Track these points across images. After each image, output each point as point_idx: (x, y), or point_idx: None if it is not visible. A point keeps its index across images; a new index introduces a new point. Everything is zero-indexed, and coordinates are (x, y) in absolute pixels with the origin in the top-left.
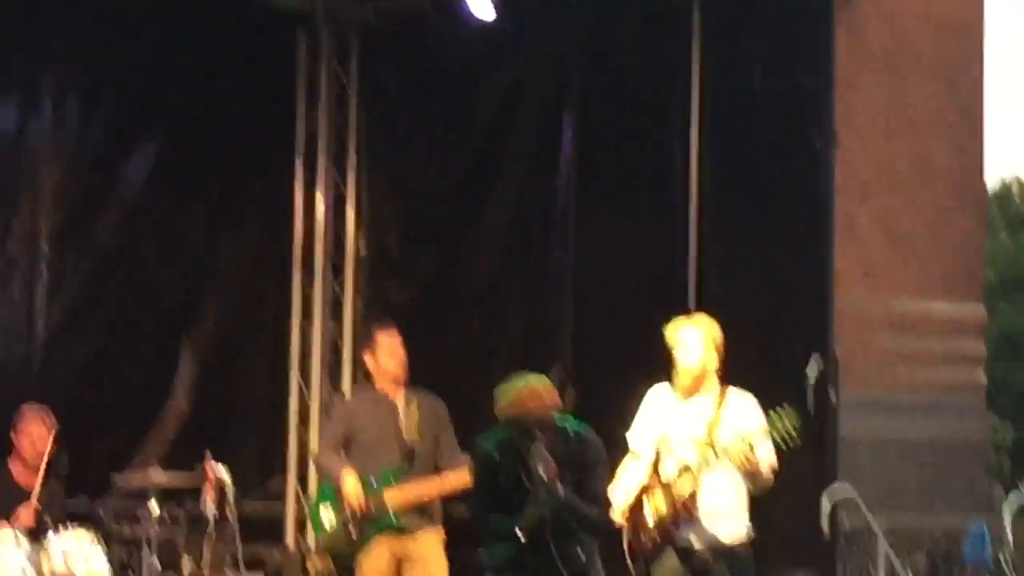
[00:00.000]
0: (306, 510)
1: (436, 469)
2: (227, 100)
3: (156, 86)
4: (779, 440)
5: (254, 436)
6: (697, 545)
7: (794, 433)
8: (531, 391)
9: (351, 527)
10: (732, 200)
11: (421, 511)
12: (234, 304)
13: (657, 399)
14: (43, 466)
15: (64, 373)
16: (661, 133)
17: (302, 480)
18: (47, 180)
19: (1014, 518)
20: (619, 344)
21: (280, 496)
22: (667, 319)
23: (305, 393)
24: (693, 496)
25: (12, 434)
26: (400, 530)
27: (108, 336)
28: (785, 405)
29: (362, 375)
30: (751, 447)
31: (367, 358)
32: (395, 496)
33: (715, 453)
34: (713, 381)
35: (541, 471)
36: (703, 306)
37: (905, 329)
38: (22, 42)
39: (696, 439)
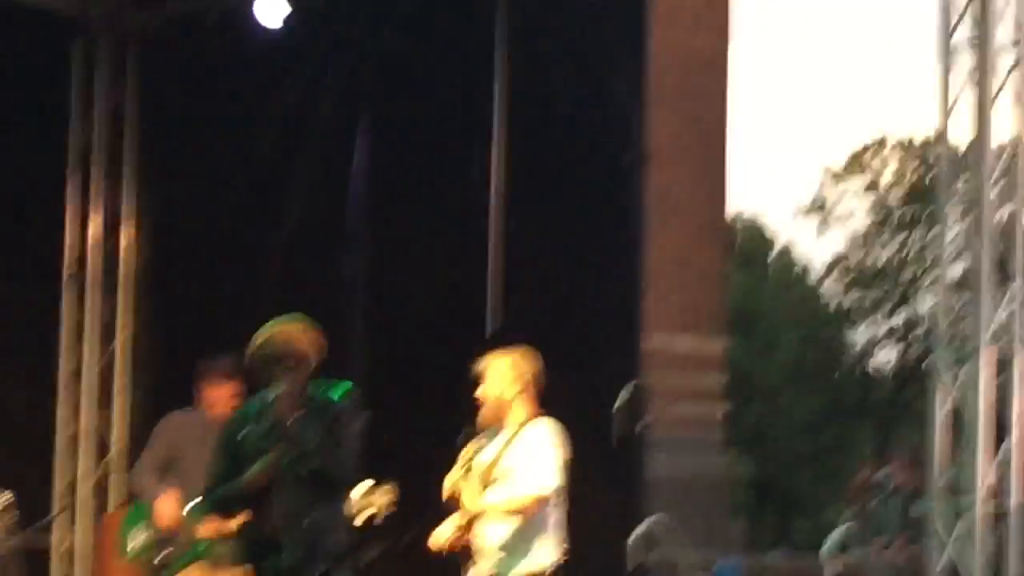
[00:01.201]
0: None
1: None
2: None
3: None
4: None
5: (25, 464)
6: None
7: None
8: (282, 331)
9: (161, 551)
10: (536, 219)
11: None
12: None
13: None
14: None
15: None
16: (462, 145)
17: (70, 511)
18: None
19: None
20: (414, 369)
21: None
22: (465, 343)
23: (72, 422)
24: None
25: None
26: (213, 560)
27: None
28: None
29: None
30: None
31: (198, 394)
32: (210, 524)
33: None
34: (519, 413)
35: (275, 402)
36: (503, 330)
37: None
38: None
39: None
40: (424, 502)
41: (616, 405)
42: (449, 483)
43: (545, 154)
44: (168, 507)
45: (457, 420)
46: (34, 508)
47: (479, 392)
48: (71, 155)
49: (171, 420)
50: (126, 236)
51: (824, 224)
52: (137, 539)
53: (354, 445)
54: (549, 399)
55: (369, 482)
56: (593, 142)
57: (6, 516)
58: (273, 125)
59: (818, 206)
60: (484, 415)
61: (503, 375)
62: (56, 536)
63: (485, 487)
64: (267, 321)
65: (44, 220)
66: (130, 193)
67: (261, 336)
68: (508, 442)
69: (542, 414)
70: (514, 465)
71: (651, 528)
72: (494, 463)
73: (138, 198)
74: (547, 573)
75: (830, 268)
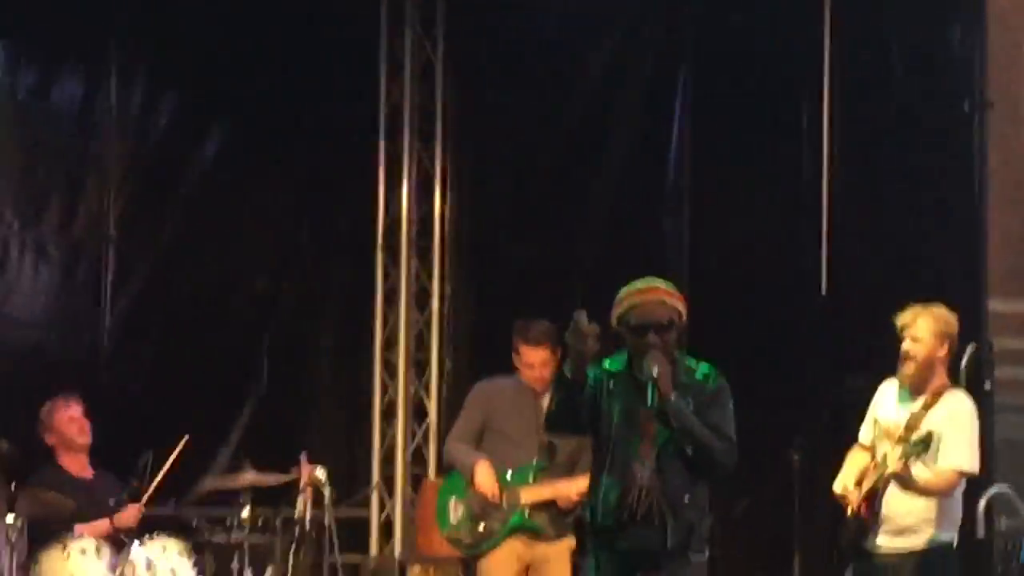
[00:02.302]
0: (393, 514)
1: (576, 471)
2: (305, 74)
3: (227, 59)
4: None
5: (339, 435)
6: (879, 549)
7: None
8: (648, 287)
9: (480, 522)
10: (869, 173)
11: (556, 515)
12: (312, 293)
13: (884, 392)
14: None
15: (134, 365)
16: (787, 101)
17: (388, 482)
18: (113, 159)
19: None
20: (744, 331)
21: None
22: (797, 305)
23: (390, 388)
24: (872, 493)
25: (45, 433)
26: (533, 532)
27: (180, 325)
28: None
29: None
30: (909, 455)
31: (513, 356)
32: (531, 494)
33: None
34: (939, 378)
35: (652, 370)
36: (834, 293)
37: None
38: (86, 13)
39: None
40: (766, 469)
41: (961, 365)
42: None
43: (879, 104)
44: (485, 476)
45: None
46: (351, 480)
47: (907, 347)
48: (380, 117)
49: (484, 387)
50: (439, 199)
51: None
52: (456, 511)
53: (731, 425)
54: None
55: None
56: (930, 90)
57: (324, 491)
58: (589, 80)
59: None
60: (910, 374)
61: (935, 333)
62: (375, 506)
63: (912, 454)
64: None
65: (355, 186)
66: (442, 155)
67: (630, 296)
68: (926, 407)
69: (950, 384)
70: (938, 434)
71: (995, 498)
72: (912, 426)
73: (450, 160)
74: (954, 546)
75: None
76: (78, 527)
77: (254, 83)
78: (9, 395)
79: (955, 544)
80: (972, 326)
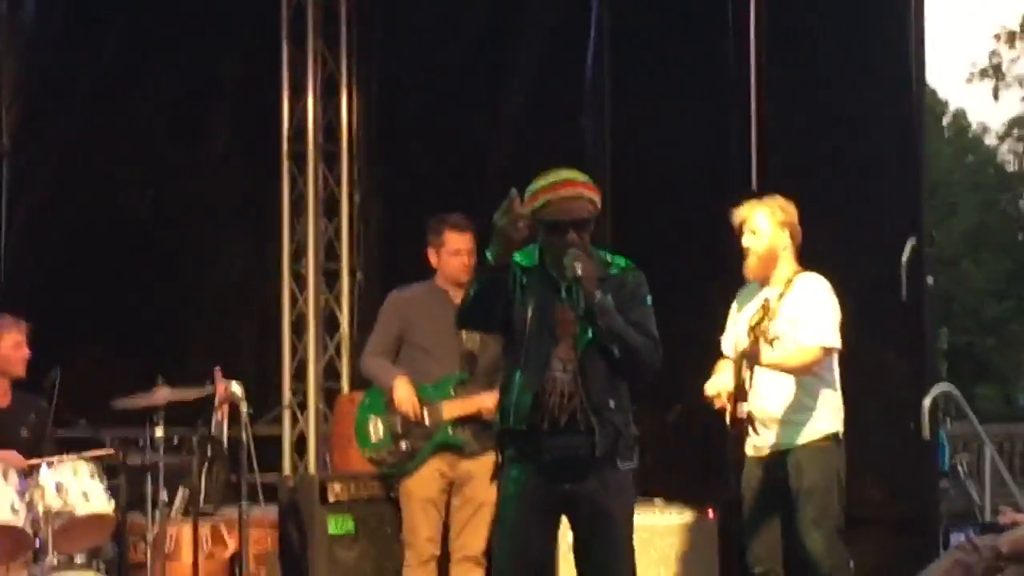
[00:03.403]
0: (307, 431)
1: (497, 380)
2: None
3: None
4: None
5: (251, 350)
6: (756, 453)
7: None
8: (564, 180)
9: (401, 440)
10: (796, 62)
11: (479, 429)
12: (215, 204)
13: (741, 295)
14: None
15: (34, 282)
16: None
17: (300, 398)
18: (4, 70)
19: None
20: (668, 229)
21: None
22: (726, 201)
23: (299, 300)
24: (740, 391)
25: None
26: (457, 449)
27: (80, 237)
28: None
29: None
30: (764, 337)
31: (430, 253)
32: (454, 408)
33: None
34: (786, 267)
35: (577, 268)
36: (766, 187)
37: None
38: None
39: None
40: (687, 370)
41: (902, 260)
42: (746, 336)
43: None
44: (405, 393)
45: (717, 279)
46: (265, 396)
47: (745, 242)
48: (283, 19)
49: (398, 296)
50: (346, 103)
51: (999, 87)
52: (376, 430)
53: (652, 322)
54: (826, 257)
55: None
56: None
57: (240, 408)
58: None
59: (993, 68)
60: (751, 267)
61: (772, 222)
62: (287, 423)
63: (769, 344)
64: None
65: (258, 90)
66: (348, 57)
67: (545, 191)
68: (780, 296)
69: (802, 270)
70: (793, 319)
71: (940, 397)
72: (769, 318)
73: (356, 62)
74: (833, 438)
75: (1009, 130)
76: None
77: None
78: None
79: (840, 435)
80: (911, 220)
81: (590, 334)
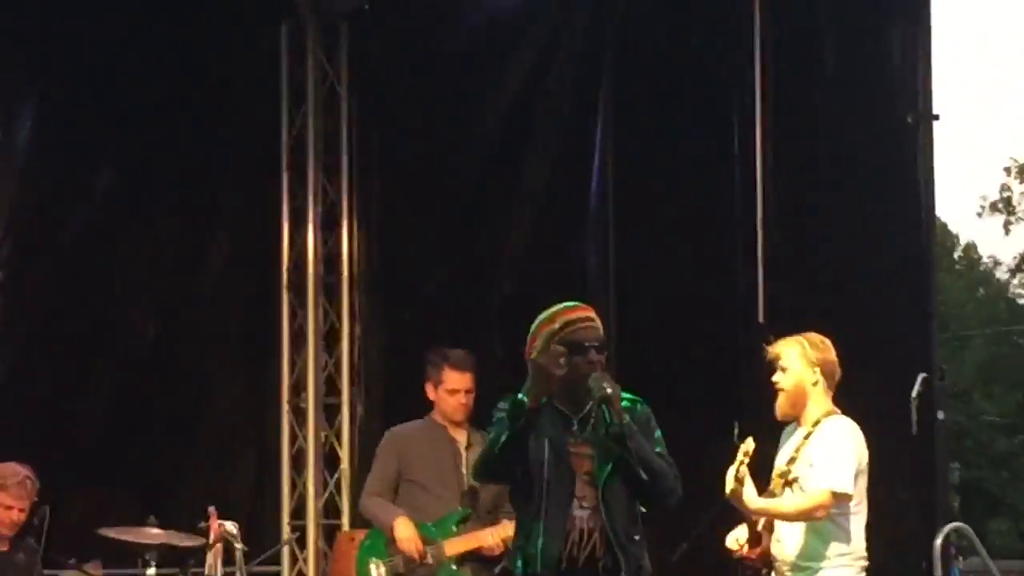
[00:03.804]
0: (306, 569)
1: (499, 515)
2: (200, 106)
3: (115, 89)
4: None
5: (247, 487)
6: None
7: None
8: (577, 306)
9: None
10: (805, 195)
11: (483, 565)
12: (213, 336)
13: (783, 436)
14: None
15: (25, 415)
16: (716, 124)
17: (299, 535)
18: None
19: None
20: (672, 362)
21: None
22: (730, 335)
23: (299, 436)
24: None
25: None
26: None
27: (73, 373)
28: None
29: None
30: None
31: (428, 387)
32: (456, 546)
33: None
34: (817, 407)
35: (606, 388)
36: (775, 320)
37: None
38: None
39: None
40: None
41: (912, 395)
42: (729, 480)
43: (813, 123)
44: (406, 532)
45: (727, 415)
46: (262, 535)
47: (776, 379)
48: (283, 148)
49: (395, 434)
50: (346, 234)
51: (1011, 221)
52: (379, 572)
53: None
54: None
55: None
56: (867, 103)
57: (235, 548)
58: (501, 104)
59: (1004, 201)
60: (781, 405)
61: (802, 360)
62: (286, 561)
63: (787, 487)
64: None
65: (256, 222)
66: (348, 187)
67: (561, 315)
68: (807, 437)
69: (837, 411)
70: (812, 463)
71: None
72: (792, 460)
73: (357, 192)
74: None
75: (1020, 264)
76: None
77: (147, 118)
78: None
79: None
80: (921, 354)
81: (610, 467)
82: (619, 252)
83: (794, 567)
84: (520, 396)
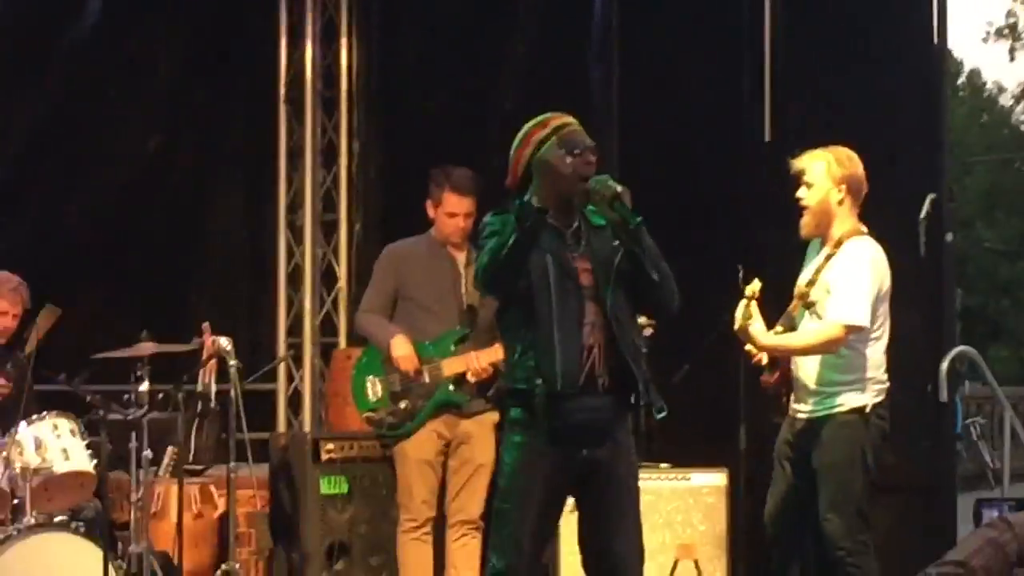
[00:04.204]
0: (302, 387)
1: (496, 338)
2: None
3: None
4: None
5: (242, 304)
6: (793, 413)
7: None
8: (558, 114)
9: (401, 400)
10: (813, 14)
11: (481, 387)
12: (210, 152)
13: (808, 254)
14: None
15: (17, 229)
16: None
17: (296, 352)
18: None
19: None
20: (677, 181)
21: None
22: (738, 151)
23: (296, 252)
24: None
25: None
26: (457, 408)
27: (67, 188)
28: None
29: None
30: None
31: (428, 205)
32: (455, 364)
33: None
34: (841, 225)
35: (615, 185)
36: (779, 140)
37: None
38: None
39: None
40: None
41: (921, 216)
42: (737, 318)
43: None
44: (404, 350)
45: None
46: (256, 352)
47: (800, 195)
48: None
49: (394, 250)
50: (345, 48)
51: (1016, 47)
52: (374, 390)
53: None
54: None
55: None
56: None
57: (229, 363)
58: None
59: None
60: (806, 224)
61: (827, 176)
62: (282, 379)
63: (806, 309)
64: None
65: (253, 34)
66: (348, 1)
67: (551, 120)
68: (828, 259)
69: (862, 230)
70: (829, 289)
71: (958, 358)
72: (812, 282)
73: (356, 7)
74: (866, 411)
75: None
76: None
77: None
78: None
79: (869, 409)
80: (930, 175)
81: (613, 279)
82: (624, 68)
83: (811, 392)
84: (525, 200)
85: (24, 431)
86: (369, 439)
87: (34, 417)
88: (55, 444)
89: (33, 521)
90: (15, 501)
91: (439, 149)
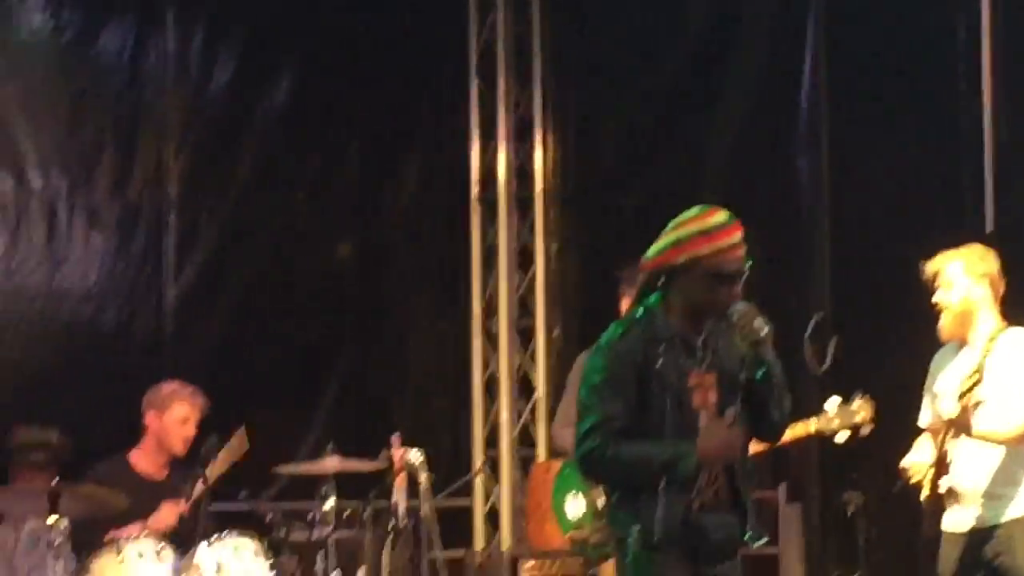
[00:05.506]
0: (499, 503)
1: None
2: (383, 8)
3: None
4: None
5: (435, 416)
6: (957, 529)
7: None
8: (727, 226)
9: (600, 521)
10: None
11: None
12: (400, 258)
13: (937, 360)
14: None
15: (202, 344)
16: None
17: (493, 466)
18: (171, 109)
19: None
20: (888, 280)
21: None
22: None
23: (492, 360)
24: (942, 463)
25: (148, 412)
26: None
27: (253, 298)
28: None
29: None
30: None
31: (623, 302)
32: None
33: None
34: (987, 323)
35: (765, 329)
36: (1003, 233)
37: None
38: None
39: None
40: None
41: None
42: (957, 405)
43: None
44: None
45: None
46: (451, 466)
47: (938, 298)
48: (471, 55)
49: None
50: (539, 146)
51: None
52: (576, 507)
53: None
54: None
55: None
56: None
57: (420, 478)
58: (705, 5)
59: None
60: (945, 325)
61: (968, 275)
62: (479, 494)
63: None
64: None
65: (445, 135)
66: (542, 97)
67: (721, 233)
68: (984, 356)
69: (1009, 324)
70: (1000, 383)
71: None
72: (975, 384)
73: (551, 102)
74: None
75: None
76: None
77: (327, 19)
78: (60, 378)
79: None
80: None
81: (737, 401)
82: (833, 158)
83: (988, 495)
84: (688, 461)
85: (203, 553)
86: (572, 556)
87: (213, 538)
88: (236, 567)
89: None
90: None
91: (638, 249)
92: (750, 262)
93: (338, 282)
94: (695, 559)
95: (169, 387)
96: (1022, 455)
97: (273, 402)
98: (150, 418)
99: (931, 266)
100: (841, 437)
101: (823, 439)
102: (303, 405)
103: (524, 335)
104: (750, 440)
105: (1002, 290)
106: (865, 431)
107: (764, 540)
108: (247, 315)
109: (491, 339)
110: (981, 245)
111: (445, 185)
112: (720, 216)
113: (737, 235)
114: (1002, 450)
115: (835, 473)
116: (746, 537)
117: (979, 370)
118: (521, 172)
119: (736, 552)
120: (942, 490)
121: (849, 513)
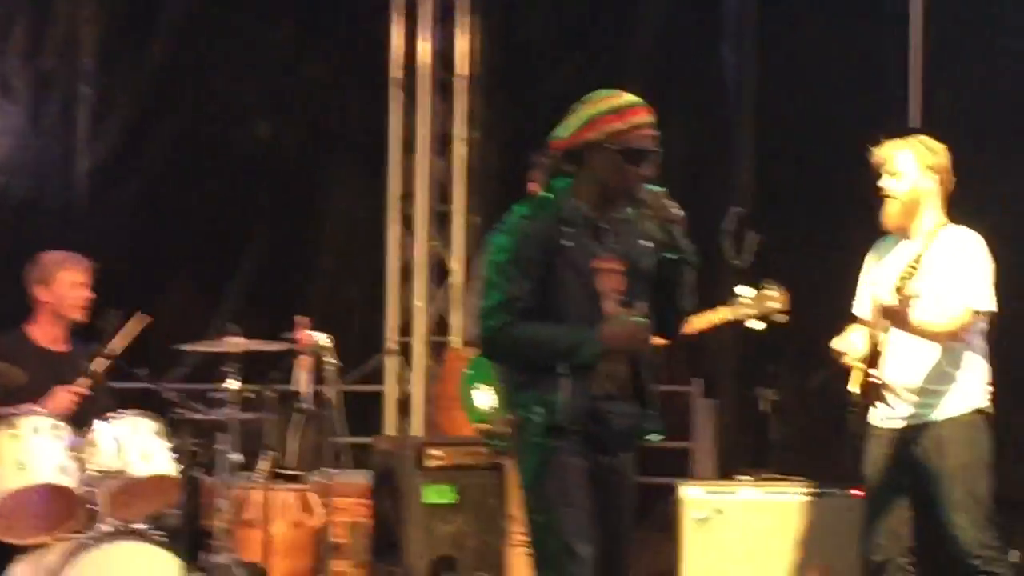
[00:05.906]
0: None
1: None
2: None
3: None
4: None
5: (348, 300)
6: (886, 425)
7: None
8: (638, 105)
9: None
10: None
11: None
12: (318, 132)
13: (875, 250)
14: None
15: (112, 218)
16: None
17: (405, 352)
18: None
19: None
20: (813, 175)
21: None
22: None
23: (408, 245)
24: (874, 356)
25: (35, 287)
26: None
27: (167, 173)
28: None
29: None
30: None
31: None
32: None
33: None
34: (931, 217)
35: (678, 212)
36: (929, 127)
37: None
38: None
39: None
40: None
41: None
42: (893, 294)
43: None
44: None
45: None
46: (361, 351)
47: (884, 184)
48: None
49: None
50: (462, 30)
51: None
52: (484, 399)
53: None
54: (987, 208)
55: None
56: None
57: (325, 363)
58: None
59: None
60: (889, 214)
61: (918, 165)
62: (390, 380)
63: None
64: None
65: (366, 13)
66: None
67: (635, 111)
68: (925, 249)
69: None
70: (938, 277)
71: None
72: (911, 275)
73: None
74: (981, 414)
75: None
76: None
77: None
78: None
79: (988, 411)
80: None
81: (640, 287)
82: (760, 48)
83: (921, 391)
84: (591, 347)
85: (100, 430)
86: (479, 446)
87: (112, 416)
88: (135, 445)
89: (109, 529)
90: (89, 507)
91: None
92: (661, 149)
93: (254, 161)
94: (594, 447)
95: (49, 257)
96: (956, 353)
97: (183, 281)
98: (39, 292)
99: (880, 152)
100: (756, 325)
101: (740, 332)
102: (213, 286)
103: (442, 221)
104: (655, 333)
105: (951, 188)
106: (779, 319)
107: (661, 437)
108: (160, 191)
109: (408, 224)
110: (932, 138)
111: (367, 67)
112: (629, 96)
113: (648, 115)
114: (937, 347)
115: (752, 370)
116: (645, 434)
117: (917, 261)
118: (444, 56)
119: (634, 444)
120: (874, 381)
121: (761, 409)
